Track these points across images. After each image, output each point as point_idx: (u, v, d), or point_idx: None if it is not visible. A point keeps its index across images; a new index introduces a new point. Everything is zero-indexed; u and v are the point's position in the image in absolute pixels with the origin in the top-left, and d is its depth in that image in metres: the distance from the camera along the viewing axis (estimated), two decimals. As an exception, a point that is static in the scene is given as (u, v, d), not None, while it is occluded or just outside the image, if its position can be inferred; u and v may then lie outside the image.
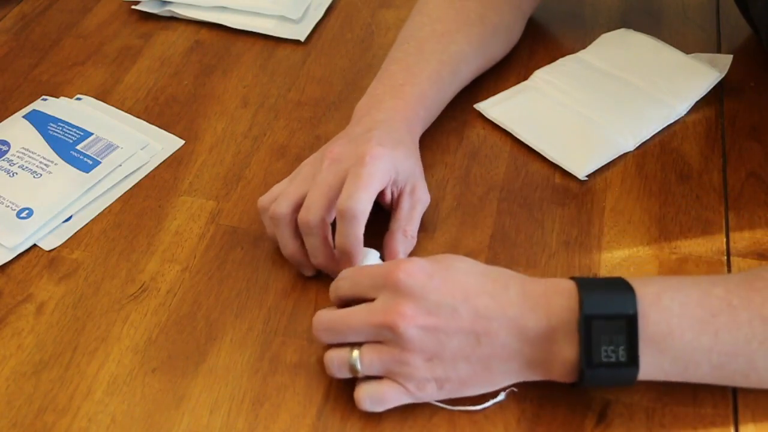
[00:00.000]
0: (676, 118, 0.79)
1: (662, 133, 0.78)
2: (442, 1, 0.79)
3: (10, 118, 0.81)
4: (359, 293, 0.58)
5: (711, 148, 0.77)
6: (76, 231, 0.71)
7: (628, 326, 0.53)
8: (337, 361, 0.57)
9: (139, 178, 0.76)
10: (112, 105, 0.83)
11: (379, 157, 0.64)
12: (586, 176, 0.74)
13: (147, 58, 0.89)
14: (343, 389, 0.59)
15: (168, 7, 0.94)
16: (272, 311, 0.65)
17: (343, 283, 0.59)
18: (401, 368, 0.55)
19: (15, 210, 0.71)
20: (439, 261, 0.57)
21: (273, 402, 0.59)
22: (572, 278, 0.56)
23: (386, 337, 0.55)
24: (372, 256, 0.64)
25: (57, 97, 0.83)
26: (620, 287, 0.54)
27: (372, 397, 0.57)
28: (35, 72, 0.87)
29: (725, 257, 0.68)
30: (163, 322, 0.64)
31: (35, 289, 0.67)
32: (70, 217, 0.72)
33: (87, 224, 0.72)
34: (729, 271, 0.67)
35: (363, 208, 0.62)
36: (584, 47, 0.86)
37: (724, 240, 0.69)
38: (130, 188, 0.75)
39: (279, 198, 0.66)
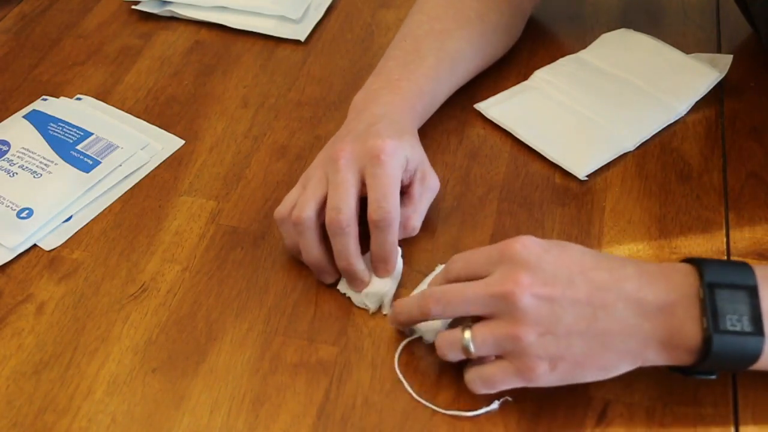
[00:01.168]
0: (676, 118, 0.79)
1: (662, 133, 0.78)
2: (441, 0, 0.79)
3: (10, 118, 0.81)
4: (473, 271, 0.57)
5: (711, 148, 0.77)
6: (76, 231, 0.71)
7: (750, 296, 0.53)
8: (449, 343, 0.56)
9: (139, 178, 0.76)
10: (112, 105, 0.83)
11: (392, 152, 0.64)
12: (586, 176, 0.74)
13: (147, 58, 0.89)
14: (344, 389, 0.59)
15: (168, 7, 0.93)
16: (272, 311, 0.65)
17: (455, 266, 0.58)
18: (514, 344, 0.54)
19: (15, 210, 0.71)
20: (552, 241, 0.56)
21: (273, 402, 0.59)
22: (684, 260, 0.56)
23: (501, 309, 0.54)
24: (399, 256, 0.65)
25: (57, 97, 0.83)
26: (736, 264, 0.55)
27: (482, 378, 0.56)
28: (35, 72, 0.87)
29: (725, 257, 0.68)
30: (163, 322, 0.64)
31: (35, 289, 0.67)
32: (71, 217, 0.72)
33: (87, 224, 0.72)
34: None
35: (396, 214, 0.63)
36: (584, 47, 0.86)
37: (724, 240, 0.69)
38: (130, 188, 0.75)
39: (299, 203, 0.64)
